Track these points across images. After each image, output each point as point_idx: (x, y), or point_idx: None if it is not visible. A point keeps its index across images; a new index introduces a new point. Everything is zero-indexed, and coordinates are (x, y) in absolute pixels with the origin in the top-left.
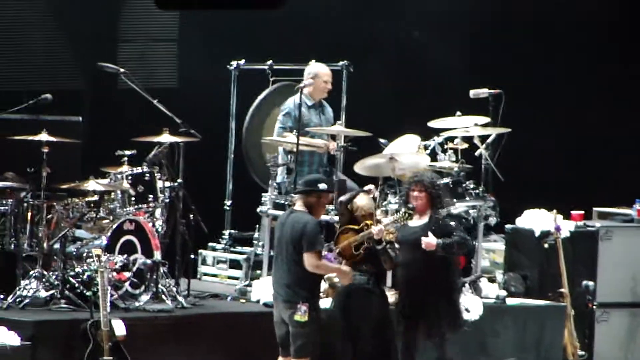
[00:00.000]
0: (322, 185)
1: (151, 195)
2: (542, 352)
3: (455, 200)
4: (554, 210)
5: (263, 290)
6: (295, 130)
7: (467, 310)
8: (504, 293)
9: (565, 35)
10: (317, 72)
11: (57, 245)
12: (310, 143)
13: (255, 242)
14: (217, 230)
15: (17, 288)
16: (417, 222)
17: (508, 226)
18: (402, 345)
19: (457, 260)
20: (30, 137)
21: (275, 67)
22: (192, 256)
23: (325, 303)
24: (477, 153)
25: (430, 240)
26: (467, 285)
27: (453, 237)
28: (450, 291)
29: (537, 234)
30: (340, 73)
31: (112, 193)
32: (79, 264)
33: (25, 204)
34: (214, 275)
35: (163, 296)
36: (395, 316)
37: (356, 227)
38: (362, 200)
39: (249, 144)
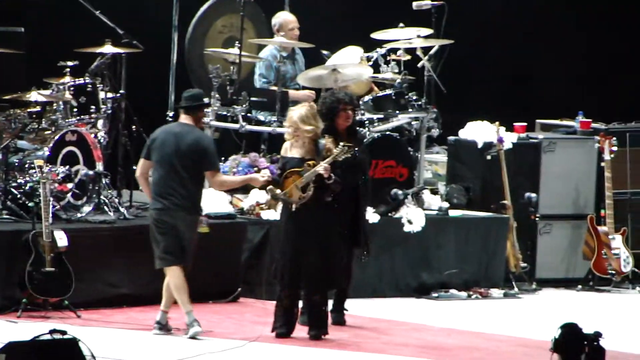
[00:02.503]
0: (207, 99)
1: (93, 107)
2: (485, 264)
3: (398, 112)
4: (497, 122)
5: (206, 201)
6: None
7: (409, 222)
8: (446, 205)
9: None
10: (281, 23)
11: None
12: (296, 97)
13: None
14: None
15: None
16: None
17: (451, 138)
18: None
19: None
20: None
21: None
22: (134, 167)
23: (269, 214)
24: (419, 65)
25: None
26: (409, 197)
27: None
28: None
29: (479, 145)
30: None
31: (55, 104)
32: (21, 175)
33: None
34: None
35: (105, 207)
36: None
37: (298, 169)
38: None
39: (191, 55)
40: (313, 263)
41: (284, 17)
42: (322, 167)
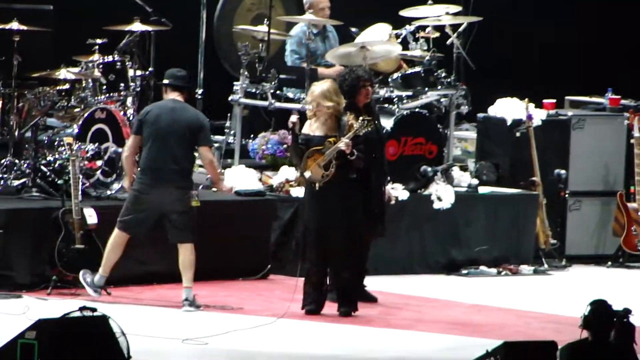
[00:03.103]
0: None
1: (122, 84)
2: (514, 241)
3: (427, 89)
4: (526, 99)
5: (235, 178)
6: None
7: (439, 198)
8: (475, 181)
9: None
10: (312, 1)
11: (28, 134)
12: (326, 74)
13: (226, 130)
14: None
15: None
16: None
17: (480, 115)
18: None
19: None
20: (1, 26)
21: None
22: None
23: (298, 192)
24: (448, 42)
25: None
26: (439, 174)
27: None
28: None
29: (509, 122)
30: None
31: (84, 82)
32: (50, 152)
33: None
34: None
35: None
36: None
37: (320, 147)
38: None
39: (220, 32)
40: (339, 241)
41: None
42: (343, 143)
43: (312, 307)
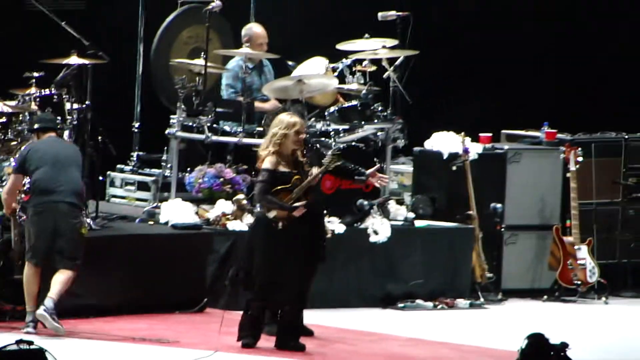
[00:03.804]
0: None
1: (59, 117)
2: (451, 274)
3: (363, 122)
4: (462, 133)
5: (171, 212)
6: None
7: (375, 232)
8: (412, 215)
9: None
10: (250, 35)
11: None
12: (263, 108)
13: (163, 164)
14: (126, 152)
15: None
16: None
17: (416, 149)
18: None
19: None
20: None
21: None
22: (101, 178)
23: (235, 225)
24: (385, 75)
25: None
26: (375, 207)
27: None
28: None
29: (445, 156)
30: None
31: (20, 115)
32: None
33: None
34: (123, 197)
35: None
36: None
37: (286, 185)
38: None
39: (157, 65)
40: (296, 275)
41: (255, 31)
42: (312, 178)
43: (250, 340)
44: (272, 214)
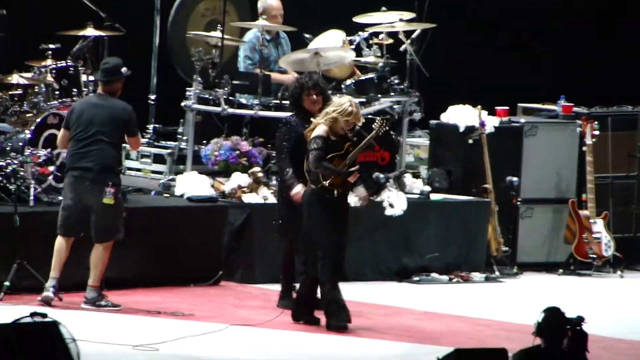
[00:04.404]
0: (125, 70)
1: (75, 89)
2: (466, 248)
3: (380, 95)
4: (479, 106)
5: (187, 184)
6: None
7: (391, 205)
8: (428, 188)
9: None
10: (265, 7)
11: None
12: (280, 80)
13: (179, 136)
14: (142, 124)
15: None
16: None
17: (432, 122)
18: None
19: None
20: None
21: None
22: None
23: (250, 198)
24: (402, 48)
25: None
26: (391, 180)
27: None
28: None
29: (461, 129)
30: None
31: (36, 87)
32: (2, 157)
33: None
34: (138, 170)
35: None
36: None
37: (339, 152)
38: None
39: (173, 38)
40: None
41: (269, 3)
42: (364, 143)
43: (306, 318)
44: (327, 182)
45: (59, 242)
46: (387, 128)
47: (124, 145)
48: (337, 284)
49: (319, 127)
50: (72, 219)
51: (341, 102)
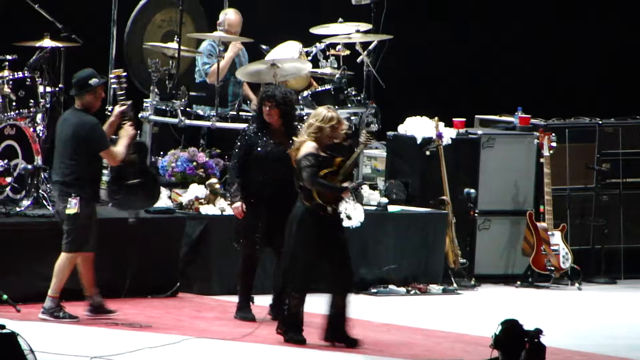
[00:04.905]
0: (94, 81)
1: (32, 100)
2: (424, 260)
3: (337, 107)
4: (436, 118)
5: None
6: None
7: (348, 217)
8: (385, 200)
9: None
10: (227, 22)
11: None
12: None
13: None
14: None
15: None
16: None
17: (390, 133)
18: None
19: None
20: None
21: None
22: None
23: (208, 209)
24: (358, 60)
25: None
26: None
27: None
28: None
29: (418, 141)
30: None
31: None
32: None
33: None
34: None
35: (44, 201)
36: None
37: (330, 169)
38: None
39: (130, 49)
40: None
41: (229, 17)
42: (355, 157)
43: (299, 337)
44: (318, 200)
45: None
46: (372, 142)
47: None
48: (304, 299)
49: (307, 145)
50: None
51: (318, 111)
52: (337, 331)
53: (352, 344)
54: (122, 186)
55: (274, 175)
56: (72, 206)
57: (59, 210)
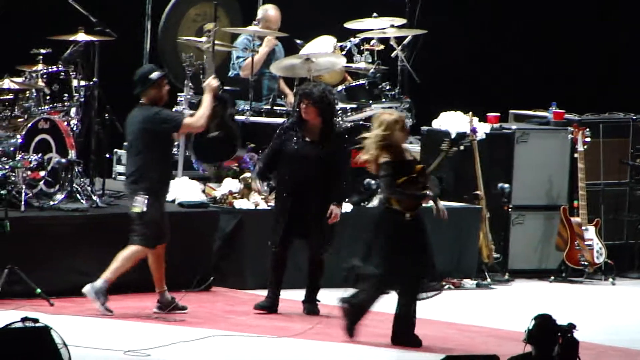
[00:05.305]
0: (155, 74)
1: (66, 94)
2: (457, 255)
3: (371, 101)
4: (470, 112)
5: (178, 190)
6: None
7: None
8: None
9: None
10: (263, 16)
11: None
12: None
13: None
14: None
15: None
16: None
17: (424, 128)
18: None
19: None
20: None
21: None
22: (107, 155)
23: (242, 204)
24: (393, 54)
25: (337, 213)
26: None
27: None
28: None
29: (453, 136)
30: None
31: (27, 92)
32: None
33: None
34: None
35: (78, 195)
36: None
37: (412, 175)
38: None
39: (164, 43)
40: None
41: (269, 14)
42: (435, 165)
43: (354, 331)
44: (397, 207)
45: None
46: (455, 149)
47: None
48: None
49: (381, 157)
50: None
51: (380, 119)
52: (402, 333)
53: (417, 344)
54: (202, 138)
55: (301, 172)
56: (138, 204)
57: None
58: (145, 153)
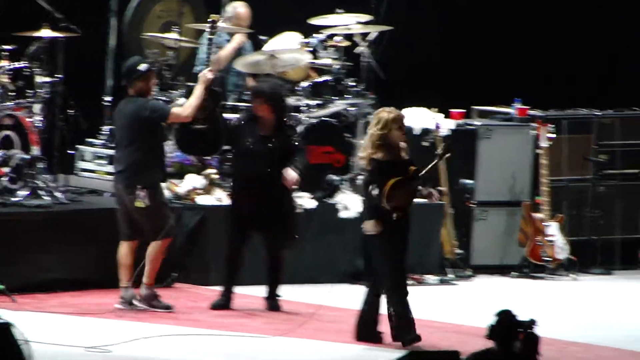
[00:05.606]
0: (143, 66)
1: (30, 91)
2: (420, 250)
3: (335, 98)
4: (434, 109)
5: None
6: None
7: (345, 207)
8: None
9: None
10: (233, 15)
11: None
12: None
13: None
14: (96, 126)
15: None
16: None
17: None
18: None
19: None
20: None
21: None
22: (71, 152)
23: (204, 200)
24: (357, 50)
25: (292, 177)
26: (345, 182)
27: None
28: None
29: (416, 132)
30: None
31: None
32: None
33: None
34: (92, 171)
35: (41, 192)
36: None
37: (399, 177)
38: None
39: (129, 39)
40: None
41: (241, 11)
42: (430, 168)
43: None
44: (388, 205)
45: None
46: (449, 153)
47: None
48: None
49: (374, 155)
50: (121, 223)
51: (379, 117)
52: (366, 329)
53: (380, 340)
54: (187, 128)
55: (255, 167)
56: (141, 199)
57: (125, 202)
58: (138, 145)
